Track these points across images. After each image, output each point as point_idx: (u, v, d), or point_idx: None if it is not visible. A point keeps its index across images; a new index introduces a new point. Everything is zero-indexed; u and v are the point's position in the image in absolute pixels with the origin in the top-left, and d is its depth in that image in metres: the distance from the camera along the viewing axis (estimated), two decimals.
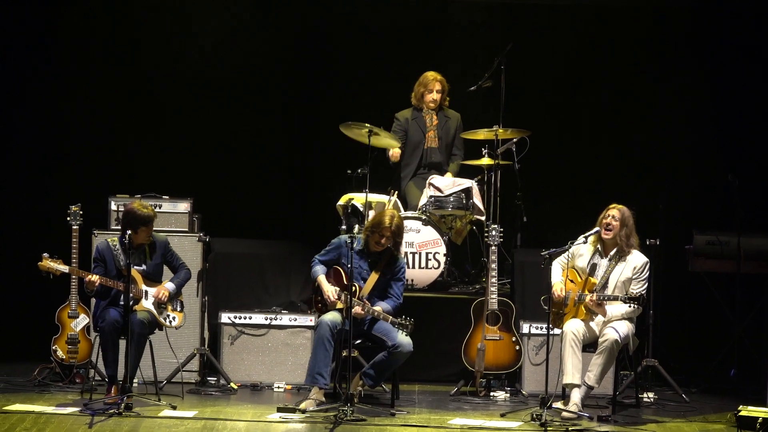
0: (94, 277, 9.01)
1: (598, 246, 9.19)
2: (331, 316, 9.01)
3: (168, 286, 9.22)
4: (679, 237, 10.57)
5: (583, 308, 9.04)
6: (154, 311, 9.13)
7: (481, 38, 11.36)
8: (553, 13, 11.42)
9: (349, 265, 8.96)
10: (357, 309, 8.97)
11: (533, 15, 11.45)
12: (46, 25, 11.30)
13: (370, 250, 9.20)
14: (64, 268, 9.11)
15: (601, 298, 8.99)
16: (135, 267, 9.03)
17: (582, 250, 9.22)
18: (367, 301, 9.05)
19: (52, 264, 9.05)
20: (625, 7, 11.36)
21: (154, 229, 9.30)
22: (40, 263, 9.02)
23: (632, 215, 9.14)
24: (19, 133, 11.31)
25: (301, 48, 11.54)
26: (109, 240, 9.20)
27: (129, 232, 8.91)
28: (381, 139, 10.20)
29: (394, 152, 10.62)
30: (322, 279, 9.19)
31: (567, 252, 9.19)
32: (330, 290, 9.12)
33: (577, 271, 9.18)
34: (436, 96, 10.67)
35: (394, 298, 9.19)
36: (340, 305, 9.07)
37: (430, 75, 10.70)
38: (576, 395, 8.89)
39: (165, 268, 9.34)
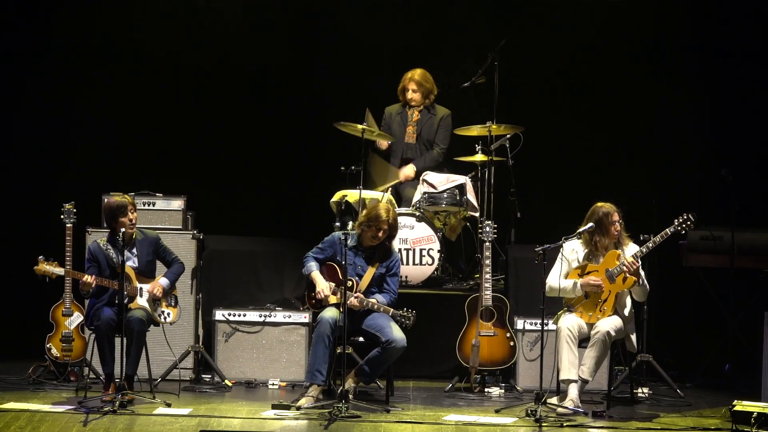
0: (90, 278, 8.99)
1: (593, 247, 9.11)
2: (331, 313, 8.99)
3: (162, 281, 9.20)
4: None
5: (613, 298, 8.98)
6: (149, 308, 9.12)
7: (476, 34, 11.34)
8: (548, 9, 11.41)
9: (343, 262, 8.94)
10: (353, 301, 8.95)
11: (527, 11, 11.44)
12: (42, 24, 11.30)
13: (365, 245, 9.20)
14: (60, 271, 9.08)
15: (639, 253, 8.92)
16: (126, 263, 9.00)
17: (576, 250, 9.17)
18: (362, 295, 9.05)
19: (48, 267, 9.02)
20: (621, 2, 11.34)
21: (148, 226, 9.29)
22: (36, 267, 9.00)
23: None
24: (14, 132, 11.30)
25: (295, 44, 11.53)
26: (98, 240, 9.18)
27: (123, 229, 8.90)
28: (375, 135, 10.30)
29: (381, 141, 10.68)
30: (316, 274, 9.17)
31: (560, 252, 9.14)
32: (324, 285, 9.12)
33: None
34: (412, 95, 10.71)
35: (390, 293, 9.19)
36: (333, 299, 9.07)
37: (408, 74, 10.73)
38: (573, 391, 8.88)
39: (159, 264, 9.33)
